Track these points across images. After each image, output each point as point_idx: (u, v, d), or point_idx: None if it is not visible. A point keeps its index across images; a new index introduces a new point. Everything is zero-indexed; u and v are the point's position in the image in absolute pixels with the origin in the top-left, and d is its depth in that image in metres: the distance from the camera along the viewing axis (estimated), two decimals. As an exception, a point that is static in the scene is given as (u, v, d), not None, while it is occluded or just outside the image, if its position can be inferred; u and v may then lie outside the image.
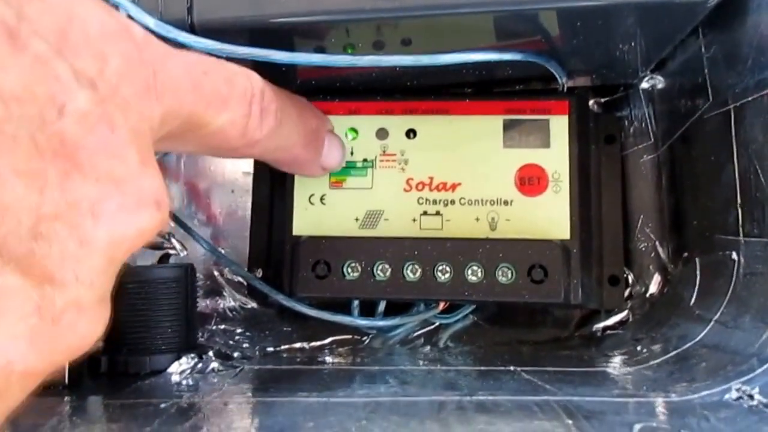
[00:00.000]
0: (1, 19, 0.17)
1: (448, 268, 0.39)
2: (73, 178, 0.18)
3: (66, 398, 0.32)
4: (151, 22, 0.33)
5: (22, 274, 0.17)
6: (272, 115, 0.29)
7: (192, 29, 0.34)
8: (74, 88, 0.18)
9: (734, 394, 0.28)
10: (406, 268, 0.40)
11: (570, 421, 0.26)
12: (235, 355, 0.41)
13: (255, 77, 0.29)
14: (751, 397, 0.28)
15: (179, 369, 0.36)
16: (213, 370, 0.37)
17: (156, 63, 0.22)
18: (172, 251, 0.42)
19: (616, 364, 0.38)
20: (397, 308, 0.43)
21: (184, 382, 0.35)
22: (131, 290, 0.37)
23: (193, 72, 0.24)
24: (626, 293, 0.44)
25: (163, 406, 0.30)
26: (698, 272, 0.38)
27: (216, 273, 0.48)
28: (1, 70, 0.17)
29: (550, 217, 0.40)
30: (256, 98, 0.28)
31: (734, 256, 0.34)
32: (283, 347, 0.45)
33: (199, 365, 0.37)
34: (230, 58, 0.34)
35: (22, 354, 0.17)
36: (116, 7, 0.34)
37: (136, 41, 0.22)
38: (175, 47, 0.25)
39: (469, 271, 0.39)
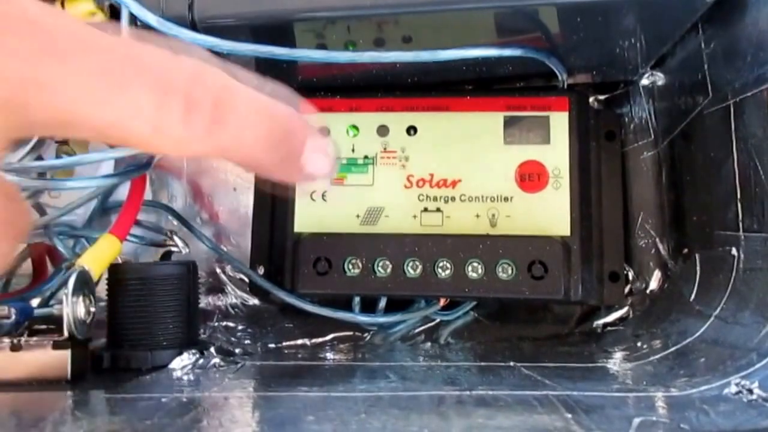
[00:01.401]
0: None
1: (448, 265, 0.40)
2: None
3: (68, 393, 0.33)
4: (153, 19, 0.33)
5: None
6: (206, 111, 0.23)
7: (193, 26, 0.34)
8: None
9: (733, 389, 0.28)
10: (407, 265, 0.40)
11: (569, 415, 0.26)
12: (237, 351, 0.41)
13: (187, 62, 0.23)
14: (750, 391, 0.28)
15: (181, 364, 0.36)
16: (214, 365, 0.37)
17: None
18: (174, 248, 0.42)
19: (616, 360, 0.38)
20: (397, 305, 0.44)
21: (185, 377, 0.35)
22: (133, 286, 0.38)
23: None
24: (626, 289, 0.44)
25: (164, 400, 0.30)
26: (698, 268, 0.38)
27: (218, 270, 0.48)
28: None
29: (551, 213, 0.40)
30: (180, 87, 0.22)
31: (734, 251, 0.34)
32: (284, 344, 0.45)
33: (201, 361, 0.37)
34: (232, 55, 0.35)
35: None
36: (119, 5, 0.34)
37: None
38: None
39: (470, 268, 0.39)
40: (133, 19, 0.34)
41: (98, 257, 0.37)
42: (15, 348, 0.34)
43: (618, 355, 0.39)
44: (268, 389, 0.32)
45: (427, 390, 0.31)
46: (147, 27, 0.33)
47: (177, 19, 0.33)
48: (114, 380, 0.34)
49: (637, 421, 0.25)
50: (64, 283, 0.35)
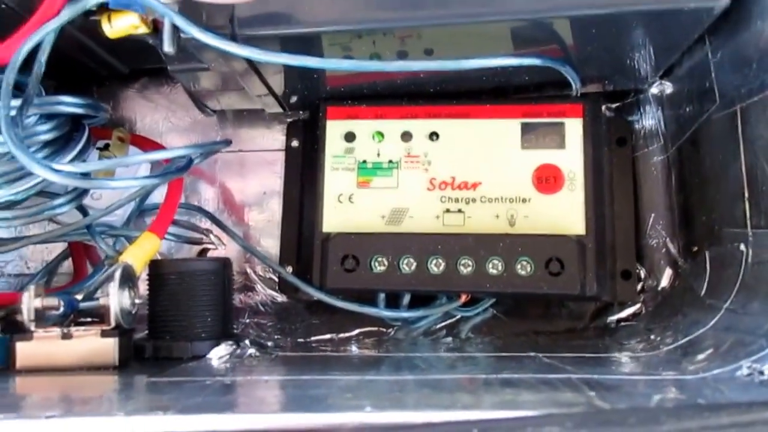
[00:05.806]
0: None
1: (469, 262, 0.42)
2: None
3: (116, 377, 0.35)
4: (195, 30, 0.35)
5: None
6: None
7: (233, 37, 0.36)
8: None
9: (745, 371, 0.30)
10: (430, 262, 0.42)
11: (592, 393, 0.28)
12: (269, 344, 0.43)
13: None
14: (761, 373, 0.29)
15: (218, 354, 0.38)
16: (250, 355, 0.39)
17: None
18: (210, 246, 0.44)
19: (630, 351, 0.39)
20: (420, 301, 0.45)
21: (223, 365, 0.37)
22: (173, 281, 0.40)
23: None
24: (639, 287, 0.46)
25: (208, 382, 0.32)
26: (708, 265, 0.40)
27: (248, 270, 0.50)
28: None
29: (566, 213, 0.42)
30: None
31: (742, 247, 0.36)
32: (312, 338, 0.47)
33: (237, 351, 0.39)
34: (268, 63, 0.37)
35: None
36: (163, 16, 0.36)
37: None
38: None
39: (490, 265, 0.41)
40: (176, 31, 0.36)
41: (140, 253, 0.39)
42: (66, 336, 0.36)
43: (632, 346, 0.40)
44: (304, 373, 0.34)
45: (454, 374, 0.33)
46: (189, 38, 0.35)
47: (218, 30, 0.35)
48: (157, 367, 0.36)
49: (656, 397, 0.27)
50: (107, 279, 0.37)
